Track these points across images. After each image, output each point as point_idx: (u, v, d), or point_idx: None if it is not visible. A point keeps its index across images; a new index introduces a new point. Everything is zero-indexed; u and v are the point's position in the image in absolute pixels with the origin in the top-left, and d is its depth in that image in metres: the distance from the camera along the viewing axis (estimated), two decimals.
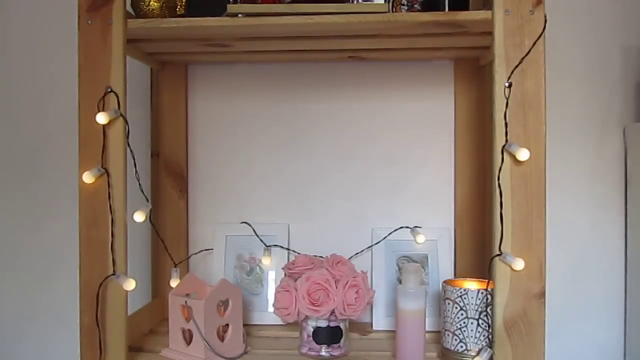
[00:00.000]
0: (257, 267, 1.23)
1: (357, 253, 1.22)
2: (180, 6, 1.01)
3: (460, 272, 1.20)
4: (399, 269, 1.19)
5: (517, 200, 0.87)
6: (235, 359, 1.01)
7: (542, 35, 0.87)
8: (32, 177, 1.32)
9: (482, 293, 0.95)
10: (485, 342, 0.95)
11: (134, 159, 0.98)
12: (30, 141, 1.32)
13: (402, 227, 1.20)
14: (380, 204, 1.26)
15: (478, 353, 0.93)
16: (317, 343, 1.01)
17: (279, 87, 1.27)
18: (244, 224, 1.24)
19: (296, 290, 1.00)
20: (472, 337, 0.95)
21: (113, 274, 0.92)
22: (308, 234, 1.26)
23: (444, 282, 1.01)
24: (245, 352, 1.03)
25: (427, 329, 0.97)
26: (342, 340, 1.02)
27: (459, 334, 0.96)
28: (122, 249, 0.92)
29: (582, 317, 1.22)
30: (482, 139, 1.20)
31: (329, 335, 1.01)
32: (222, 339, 1.01)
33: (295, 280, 1.02)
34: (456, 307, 0.96)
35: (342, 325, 1.02)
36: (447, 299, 0.98)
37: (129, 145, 0.94)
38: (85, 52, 0.92)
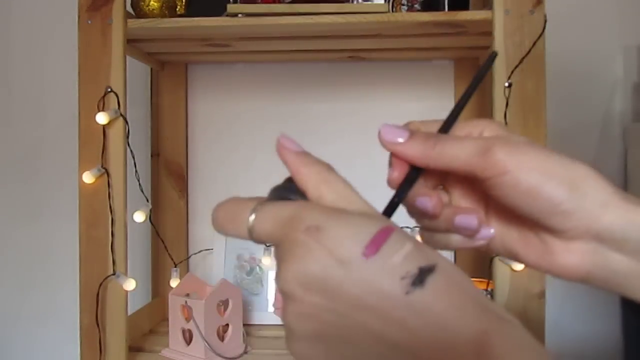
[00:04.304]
0: (257, 267, 1.23)
1: None
2: (180, 6, 1.01)
3: None
4: None
5: None
6: (235, 359, 1.01)
7: (542, 35, 0.87)
8: (32, 177, 1.32)
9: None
10: None
11: (134, 159, 0.98)
12: (30, 141, 1.32)
13: (402, 227, 1.20)
14: (380, 204, 1.25)
15: None
16: None
17: (279, 87, 1.27)
18: None
19: None
20: None
21: (113, 274, 0.92)
22: None
23: None
24: (245, 352, 1.03)
25: None
26: None
27: None
28: (122, 249, 0.92)
29: (582, 317, 1.22)
30: None
31: None
32: (222, 339, 1.01)
33: None
34: None
35: None
36: None
37: (129, 145, 0.94)
38: (85, 52, 0.92)
